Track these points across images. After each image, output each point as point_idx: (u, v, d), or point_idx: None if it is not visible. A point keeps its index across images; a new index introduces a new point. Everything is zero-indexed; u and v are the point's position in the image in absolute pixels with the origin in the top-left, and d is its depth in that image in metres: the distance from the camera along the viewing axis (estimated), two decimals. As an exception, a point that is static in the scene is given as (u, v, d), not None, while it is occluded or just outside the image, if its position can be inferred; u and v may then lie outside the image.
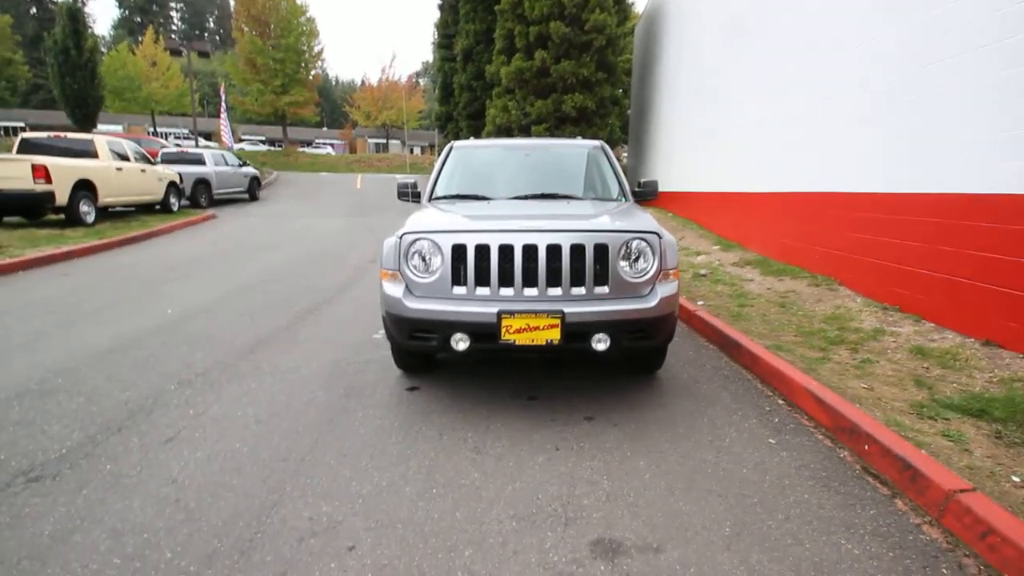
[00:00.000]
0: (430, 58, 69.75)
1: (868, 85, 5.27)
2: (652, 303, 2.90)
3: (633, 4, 16.94)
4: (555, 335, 2.78)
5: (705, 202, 10.01)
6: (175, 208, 13.11)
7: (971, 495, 2.01)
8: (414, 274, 3.01)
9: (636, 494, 2.30)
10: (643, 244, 2.97)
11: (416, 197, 4.37)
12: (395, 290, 3.03)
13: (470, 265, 2.90)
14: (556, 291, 2.87)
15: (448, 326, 2.86)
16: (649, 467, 2.51)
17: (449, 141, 25.79)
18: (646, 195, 4.17)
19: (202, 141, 27.70)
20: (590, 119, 15.09)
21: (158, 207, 12.65)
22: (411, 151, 52.34)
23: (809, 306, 5.10)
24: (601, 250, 2.89)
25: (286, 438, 2.81)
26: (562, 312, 2.77)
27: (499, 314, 2.77)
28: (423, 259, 3.00)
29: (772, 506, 2.22)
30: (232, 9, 36.06)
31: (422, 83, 61.77)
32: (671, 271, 3.04)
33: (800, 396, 3.11)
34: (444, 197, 4.08)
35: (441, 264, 2.96)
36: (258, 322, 4.91)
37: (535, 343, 2.79)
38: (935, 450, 2.44)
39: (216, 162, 15.96)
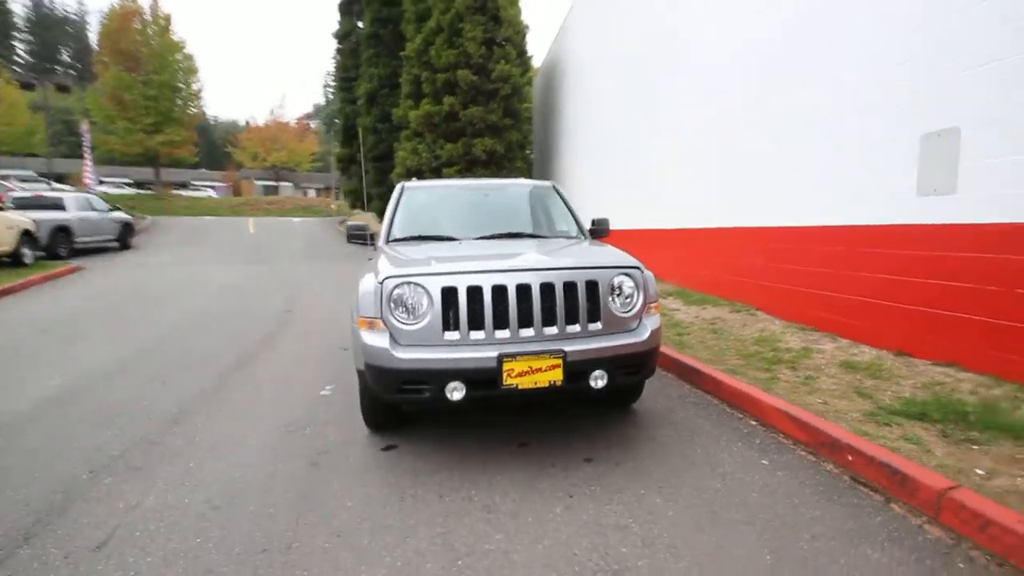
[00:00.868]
0: (322, 100, 68.32)
1: (759, 129, 6.03)
2: (644, 336, 2.95)
3: (532, 57, 18.00)
4: (558, 376, 2.70)
5: (616, 239, 10.66)
6: (28, 261, 11.16)
7: (959, 491, 2.24)
8: (399, 321, 2.79)
9: (669, 534, 2.24)
10: (627, 279, 3.04)
11: (369, 240, 4.13)
12: (378, 340, 2.77)
13: (462, 308, 2.75)
14: (552, 330, 2.81)
15: (444, 375, 2.66)
16: (668, 504, 2.49)
17: (353, 184, 25.08)
18: (599, 232, 4.32)
19: (55, 184, 24.20)
20: (499, 162, 15.54)
21: (8, 260, 10.68)
22: (305, 194, 50.03)
23: (737, 331, 5.53)
24: (592, 286, 2.90)
25: (258, 524, 2.38)
26: (563, 351, 2.71)
27: (500, 358, 2.64)
28: (408, 305, 2.80)
29: (795, 526, 2.29)
30: (96, 42, 32.69)
31: (313, 125, 60.04)
32: (652, 304, 3.13)
33: (773, 416, 3.31)
34: (405, 239, 3.89)
35: (429, 308, 2.77)
36: (174, 387, 4.24)
37: (538, 386, 2.69)
38: (906, 454, 2.70)
39: (79, 207, 13.98)
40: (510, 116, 15.69)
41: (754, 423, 3.41)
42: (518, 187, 4.52)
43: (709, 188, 7.18)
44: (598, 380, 2.80)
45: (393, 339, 2.76)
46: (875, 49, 4.54)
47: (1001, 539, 2.01)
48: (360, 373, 2.97)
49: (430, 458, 2.98)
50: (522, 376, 2.66)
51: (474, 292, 2.77)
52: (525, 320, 2.78)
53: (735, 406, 3.67)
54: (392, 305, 2.80)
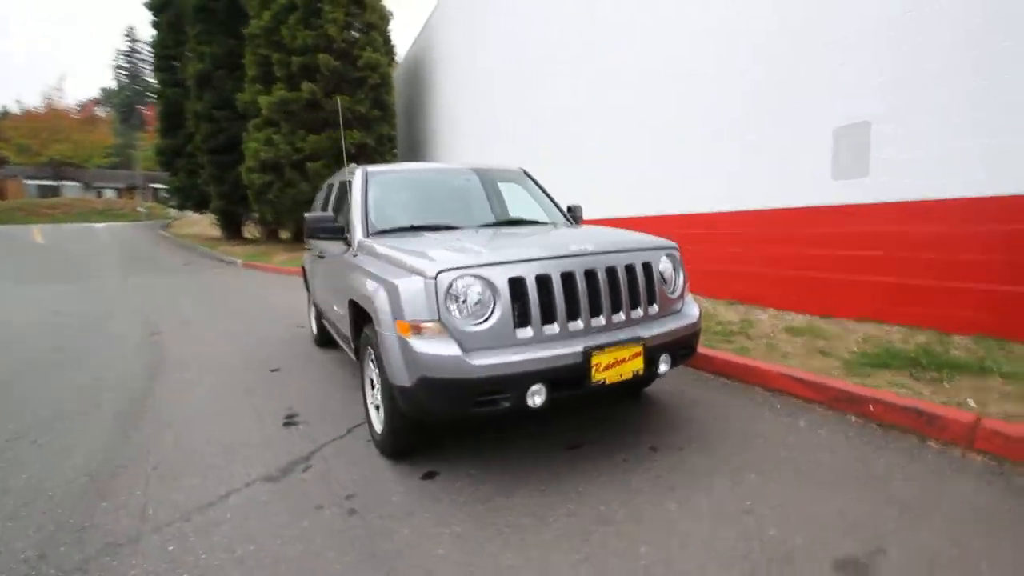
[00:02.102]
0: (113, 84, 56.96)
1: (674, 129, 6.52)
2: (695, 316, 2.93)
3: (395, 47, 17.13)
4: (639, 365, 2.52)
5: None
6: None
7: (986, 420, 2.62)
8: (465, 322, 2.34)
9: (793, 508, 2.23)
10: (669, 260, 2.98)
11: (337, 234, 3.46)
12: (442, 347, 2.30)
13: (533, 301, 2.42)
14: (620, 317, 2.63)
15: (527, 379, 2.30)
16: (764, 479, 2.48)
17: (180, 180, 21.35)
18: (577, 220, 4.22)
19: None
20: (371, 156, 14.53)
21: None
22: (99, 194, 41.22)
23: (672, 310, 5.90)
24: (647, 268, 2.78)
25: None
26: (642, 337, 2.54)
27: (587, 352, 2.38)
28: (472, 302, 2.37)
29: (881, 477, 2.45)
30: None
31: (104, 113, 49.87)
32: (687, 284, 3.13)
33: (779, 381, 3.56)
34: (391, 231, 3.32)
35: (497, 304, 2.38)
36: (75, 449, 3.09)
37: (623, 378, 2.48)
38: (914, 396, 3.10)
39: None
40: (379, 108, 14.76)
41: (761, 390, 3.64)
42: (495, 173, 4.18)
43: (624, 178, 7.55)
44: (663, 365, 2.70)
45: (461, 344, 2.31)
46: (787, 62, 5.18)
47: (1038, 454, 2.40)
48: (401, 391, 2.44)
49: (485, 480, 2.58)
50: (609, 369, 2.44)
51: (543, 282, 2.45)
52: (597, 309, 2.56)
53: (733, 377, 3.88)
54: (452, 303, 2.35)
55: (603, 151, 7.81)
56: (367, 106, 14.20)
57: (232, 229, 20.08)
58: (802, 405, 3.35)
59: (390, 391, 2.53)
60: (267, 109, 13.78)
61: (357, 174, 3.73)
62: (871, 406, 3.04)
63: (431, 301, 2.36)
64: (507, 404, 2.32)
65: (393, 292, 2.46)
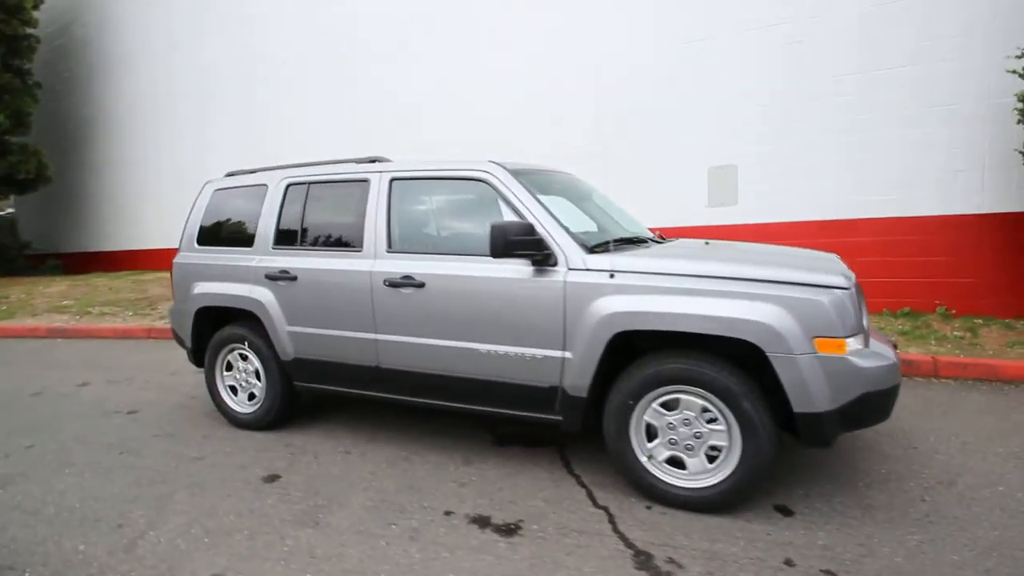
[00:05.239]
0: None
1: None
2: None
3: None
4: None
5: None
6: None
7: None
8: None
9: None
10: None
11: (536, 250, 2.53)
12: (880, 357, 2.22)
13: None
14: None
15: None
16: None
17: None
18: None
19: None
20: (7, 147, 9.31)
21: None
22: None
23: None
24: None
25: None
26: (876, 330, 2.99)
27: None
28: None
29: None
30: None
31: None
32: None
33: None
34: (600, 245, 2.64)
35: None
36: None
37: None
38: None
39: None
40: (15, 74, 9.58)
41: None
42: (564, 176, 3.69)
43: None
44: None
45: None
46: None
47: None
48: (814, 418, 2.14)
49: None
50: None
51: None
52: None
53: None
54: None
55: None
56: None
57: None
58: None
59: (759, 433, 2.19)
60: None
61: (500, 175, 2.77)
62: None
63: (856, 311, 2.21)
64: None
65: (808, 307, 2.15)
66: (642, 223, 3.65)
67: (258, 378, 3.47)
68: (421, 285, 2.81)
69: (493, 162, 2.86)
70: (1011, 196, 4.85)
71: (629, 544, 2.17)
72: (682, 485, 2.39)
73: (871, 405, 2.21)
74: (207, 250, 3.63)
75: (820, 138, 5.70)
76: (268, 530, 2.37)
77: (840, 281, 2.23)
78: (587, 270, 2.49)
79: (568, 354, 2.51)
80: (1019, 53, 4.39)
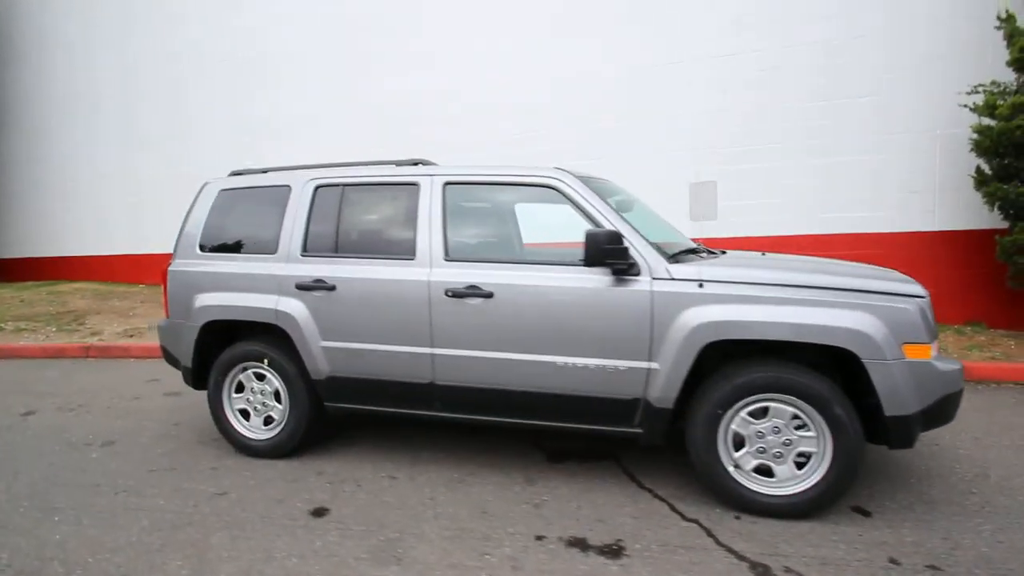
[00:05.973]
0: None
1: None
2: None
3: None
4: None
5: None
6: None
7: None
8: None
9: None
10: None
11: (621, 259, 2.46)
12: (952, 362, 2.36)
13: None
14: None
15: None
16: None
17: None
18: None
19: None
20: None
21: None
22: None
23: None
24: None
25: None
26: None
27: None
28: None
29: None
30: None
31: None
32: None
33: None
34: (681, 253, 2.64)
35: None
36: None
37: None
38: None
39: None
40: None
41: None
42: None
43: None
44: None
45: (938, 358, 2.42)
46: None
47: None
48: (903, 420, 2.25)
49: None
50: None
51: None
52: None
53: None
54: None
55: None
56: None
57: None
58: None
59: (850, 438, 2.27)
60: None
61: (570, 182, 2.69)
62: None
63: (931, 320, 2.34)
64: None
65: (897, 315, 2.25)
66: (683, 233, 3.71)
67: (277, 400, 3.12)
68: (489, 295, 2.65)
69: (560, 168, 2.79)
70: (959, 215, 5.47)
71: (740, 557, 2.15)
72: (771, 493, 2.41)
73: (947, 406, 2.35)
74: (213, 257, 3.23)
75: (792, 159, 6.12)
76: (347, 571, 2.10)
77: (921, 290, 2.37)
78: (673, 279, 2.47)
79: (655, 364, 2.47)
80: (969, 90, 4.98)
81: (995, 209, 4.88)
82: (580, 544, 2.26)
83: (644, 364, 2.48)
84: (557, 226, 3.40)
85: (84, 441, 3.49)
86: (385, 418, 3.20)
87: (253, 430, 3.18)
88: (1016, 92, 4.64)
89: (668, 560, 2.14)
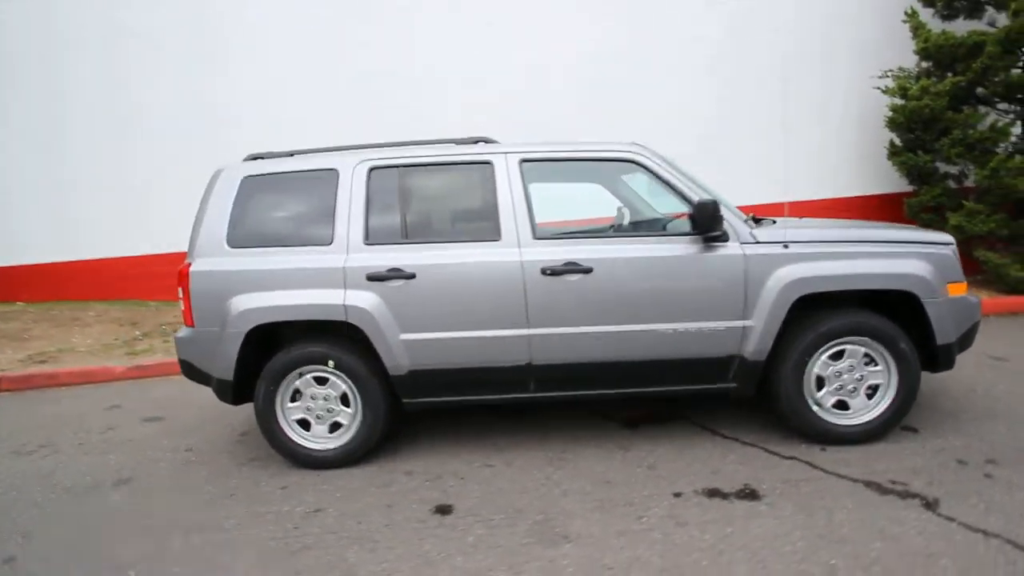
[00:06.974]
0: None
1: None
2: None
3: None
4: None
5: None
6: None
7: None
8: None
9: None
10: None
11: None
12: (976, 295, 2.83)
13: None
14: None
15: None
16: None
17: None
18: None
19: None
20: None
21: None
22: None
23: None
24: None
25: None
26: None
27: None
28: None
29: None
30: None
31: None
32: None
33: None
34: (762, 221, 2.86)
35: None
36: None
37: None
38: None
39: None
40: None
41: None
42: None
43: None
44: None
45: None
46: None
47: None
48: (948, 348, 2.70)
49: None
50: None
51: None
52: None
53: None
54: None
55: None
56: None
57: None
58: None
59: (912, 368, 2.67)
60: None
61: (650, 155, 2.78)
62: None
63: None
64: None
65: (942, 260, 2.67)
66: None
67: (345, 403, 2.87)
68: (588, 271, 2.67)
69: (637, 143, 2.86)
70: (879, 181, 6.46)
71: (853, 480, 2.44)
72: (849, 423, 2.75)
73: (973, 333, 2.85)
74: (248, 253, 2.84)
75: (748, 139, 6.70)
76: (522, 558, 2.05)
77: (951, 239, 2.82)
78: (758, 243, 2.69)
79: (749, 322, 2.68)
80: (880, 74, 5.86)
81: (904, 175, 5.84)
82: (718, 494, 2.41)
83: (739, 323, 2.68)
84: (578, 202, 3.52)
85: (85, 484, 2.92)
86: (461, 408, 3.08)
87: (317, 440, 2.89)
88: (921, 77, 5.57)
89: (799, 492, 2.37)
